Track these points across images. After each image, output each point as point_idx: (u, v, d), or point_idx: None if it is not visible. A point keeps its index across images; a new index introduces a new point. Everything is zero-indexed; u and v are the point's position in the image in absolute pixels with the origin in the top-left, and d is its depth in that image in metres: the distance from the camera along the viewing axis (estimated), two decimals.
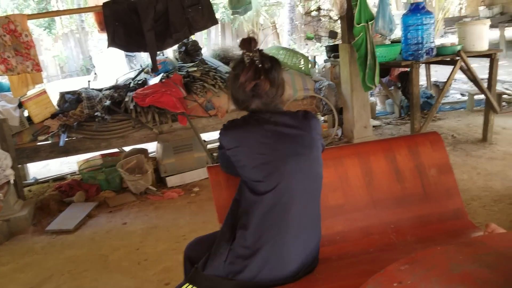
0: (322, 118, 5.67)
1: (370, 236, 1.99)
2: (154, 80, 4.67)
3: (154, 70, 4.35)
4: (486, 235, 1.42)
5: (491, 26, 4.57)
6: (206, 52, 5.92)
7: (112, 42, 4.14)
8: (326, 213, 1.90)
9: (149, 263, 2.97)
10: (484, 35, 4.30)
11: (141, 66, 5.66)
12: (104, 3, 4.11)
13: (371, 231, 2.01)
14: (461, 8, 15.52)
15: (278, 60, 1.68)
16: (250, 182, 1.58)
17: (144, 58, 9.55)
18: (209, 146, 4.85)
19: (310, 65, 5.31)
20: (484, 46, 4.30)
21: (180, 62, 5.21)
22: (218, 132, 1.66)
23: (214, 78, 4.70)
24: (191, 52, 5.15)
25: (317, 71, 5.73)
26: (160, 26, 4.18)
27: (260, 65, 1.57)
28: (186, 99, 4.53)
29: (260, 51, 1.60)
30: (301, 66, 5.15)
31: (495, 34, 10.70)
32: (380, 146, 2.19)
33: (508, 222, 2.87)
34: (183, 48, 5.19)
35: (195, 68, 4.82)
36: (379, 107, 6.52)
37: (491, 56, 4.32)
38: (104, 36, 4.23)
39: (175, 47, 5.23)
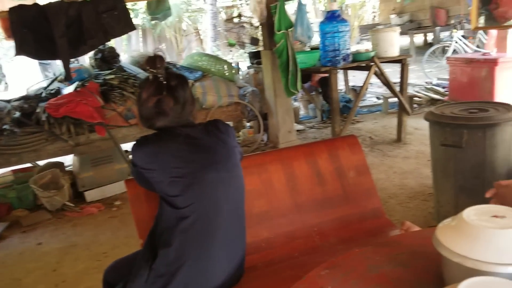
0: (248, 124, 5.71)
1: (295, 240, 2.01)
2: (68, 89, 4.43)
3: (68, 78, 4.12)
4: (402, 234, 1.47)
5: (402, 33, 4.87)
6: (125, 59, 5.71)
7: (20, 50, 3.85)
8: (251, 220, 1.88)
9: (68, 284, 2.79)
10: (395, 42, 4.57)
11: (54, 75, 5.34)
12: (10, 8, 3.82)
13: (296, 236, 2.02)
14: (374, 16, 16.44)
15: (185, 78, 1.67)
16: (168, 197, 1.52)
17: (59, 66, 9.04)
18: (130, 156, 4.67)
19: (234, 72, 5.32)
20: (395, 52, 4.57)
21: (96, 70, 4.99)
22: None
23: (133, 85, 4.55)
24: (108, 59, 4.95)
25: (241, 77, 5.76)
26: (73, 32, 3.96)
27: (164, 82, 1.55)
28: (104, 108, 4.33)
29: (167, 68, 1.59)
30: (225, 72, 5.15)
31: (405, 40, 11.45)
32: (302, 151, 2.22)
33: (422, 218, 3.04)
34: (100, 55, 4.97)
35: (113, 76, 4.64)
36: (302, 112, 6.68)
37: (402, 61, 4.59)
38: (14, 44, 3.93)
39: (91, 54, 5.00)
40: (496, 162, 2.57)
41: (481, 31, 7.83)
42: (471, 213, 0.98)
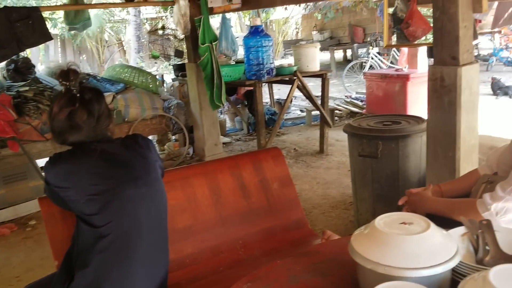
0: (173, 137, 5.63)
1: (220, 254, 2.00)
2: None
3: None
4: (322, 243, 1.52)
5: (323, 49, 5.11)
6: (42, 70, 5.41)
7: None
8: (174, 236, 1.84)
9: None
10: (316, 57, 4.76)
11: None
12: None
13: (221, 249, 2.01)
14: (297, 32, 17.02)
15: (101, 91, 1.63)
16: (85, 216, 1.45)
17: None
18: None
19: (158, 84, 5.23)
20: (316, 67, 4.76)
21: (8, 81, 4.67)
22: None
23: (50, 98, 4.29)
24: (22, 70, 4.66)
25: (165, 90, 5.67)
26: None
27: (77, 95, 1.49)
28: (17, 122, 4.05)
29: (81, 82, 1.54)
30: (149, 84, 5.05)
31: (326, 56, 11.98)
32: (227, 163, 2.22)
33: (343, 226, 3.16)
34: (12, 65, 4.67)
35: (27, 88, 4.36)
36: (229, 125, 6.72)
37: (323, 75, 4.79)
38: None
39: (3, 64, 4.68)
40: (409, 171, 2.74)
41: (394, 49, 8.39)
42: (381, 220, 1.04)
